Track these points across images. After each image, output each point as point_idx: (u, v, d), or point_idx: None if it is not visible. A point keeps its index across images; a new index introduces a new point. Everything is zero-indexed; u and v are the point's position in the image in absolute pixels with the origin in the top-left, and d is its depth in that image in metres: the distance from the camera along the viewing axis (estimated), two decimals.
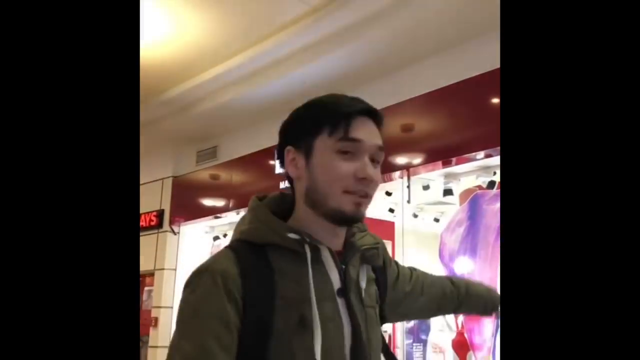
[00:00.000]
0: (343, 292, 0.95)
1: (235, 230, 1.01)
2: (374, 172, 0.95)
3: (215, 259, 0.94)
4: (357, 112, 0.94)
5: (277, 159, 1.04)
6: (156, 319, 5.56)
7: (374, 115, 0.98)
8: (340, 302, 0.94)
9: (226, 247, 0.96)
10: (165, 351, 0.91)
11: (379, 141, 0.97)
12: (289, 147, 0.99)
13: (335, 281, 0.95)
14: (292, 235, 0.92)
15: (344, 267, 0.96)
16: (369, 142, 0.95)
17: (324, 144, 0.94)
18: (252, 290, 0.87)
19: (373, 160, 0.97)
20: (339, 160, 0.93)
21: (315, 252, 0.93)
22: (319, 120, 0.95)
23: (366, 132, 0.95)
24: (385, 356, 1.09)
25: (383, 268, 1.10)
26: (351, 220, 0.96)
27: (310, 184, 0.95)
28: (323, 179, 0.93)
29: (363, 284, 1.00)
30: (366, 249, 1.01)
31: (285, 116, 1.07)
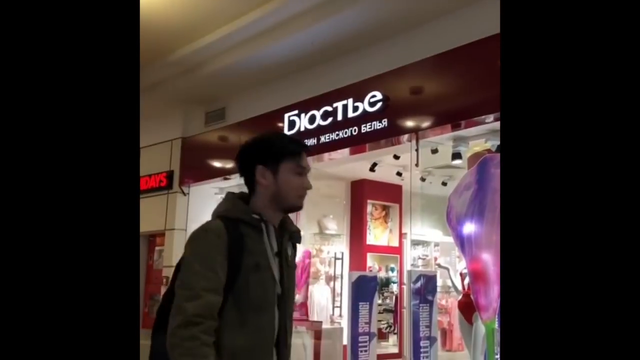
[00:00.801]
0: (279, 254, 1.54)
1: (216, 211, 1.56)
2: (309, 182, 1.59)
3: (212, 222, 1.50)
4: (302, 150, 1.58)
5: (240, 169, 1.57)
6: (167, 278, 5.67)
7: (307, 150, 1.62)
8: (276, 260, 1.52)
9: (215, 218, 1.51)
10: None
11: (310, 165, 1.61)
12: (259, 166, 1.54)
13: (275, 247, 1.53)
14: (255, 216, 1.52)
15: (281, 239, 1.55)
16: (308, 167, 1.58)
17: (286, 167, 1.54)
18: (232, 244, 1.45)
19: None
20: (296, 178, 1.54)
21: (267, 227, 1.53)
22: (283, 152, 1.55)
23: (306, 162, 1.58)
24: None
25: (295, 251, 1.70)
26: (299, 209, 1.60)
27: (276, 190, 1.53)
28: (287, 188, 1.54)
29: (290, 253, 1.60)
30: (293, 232, 1.62)
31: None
